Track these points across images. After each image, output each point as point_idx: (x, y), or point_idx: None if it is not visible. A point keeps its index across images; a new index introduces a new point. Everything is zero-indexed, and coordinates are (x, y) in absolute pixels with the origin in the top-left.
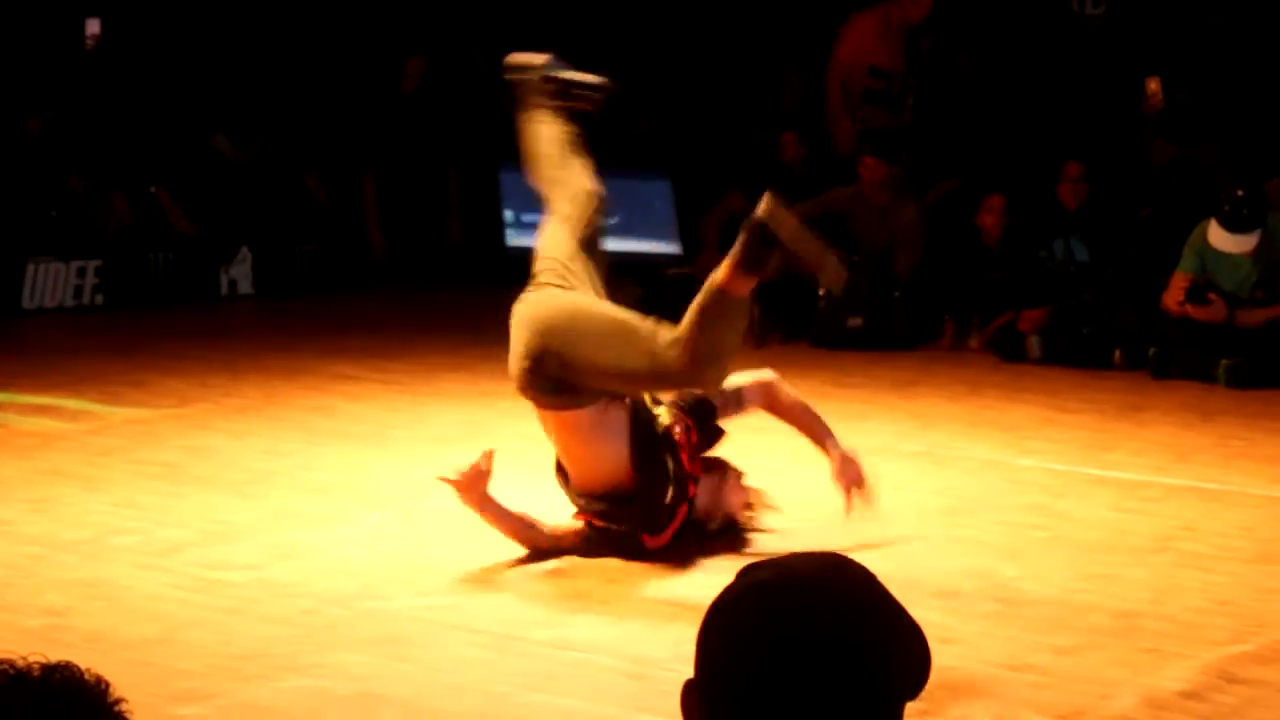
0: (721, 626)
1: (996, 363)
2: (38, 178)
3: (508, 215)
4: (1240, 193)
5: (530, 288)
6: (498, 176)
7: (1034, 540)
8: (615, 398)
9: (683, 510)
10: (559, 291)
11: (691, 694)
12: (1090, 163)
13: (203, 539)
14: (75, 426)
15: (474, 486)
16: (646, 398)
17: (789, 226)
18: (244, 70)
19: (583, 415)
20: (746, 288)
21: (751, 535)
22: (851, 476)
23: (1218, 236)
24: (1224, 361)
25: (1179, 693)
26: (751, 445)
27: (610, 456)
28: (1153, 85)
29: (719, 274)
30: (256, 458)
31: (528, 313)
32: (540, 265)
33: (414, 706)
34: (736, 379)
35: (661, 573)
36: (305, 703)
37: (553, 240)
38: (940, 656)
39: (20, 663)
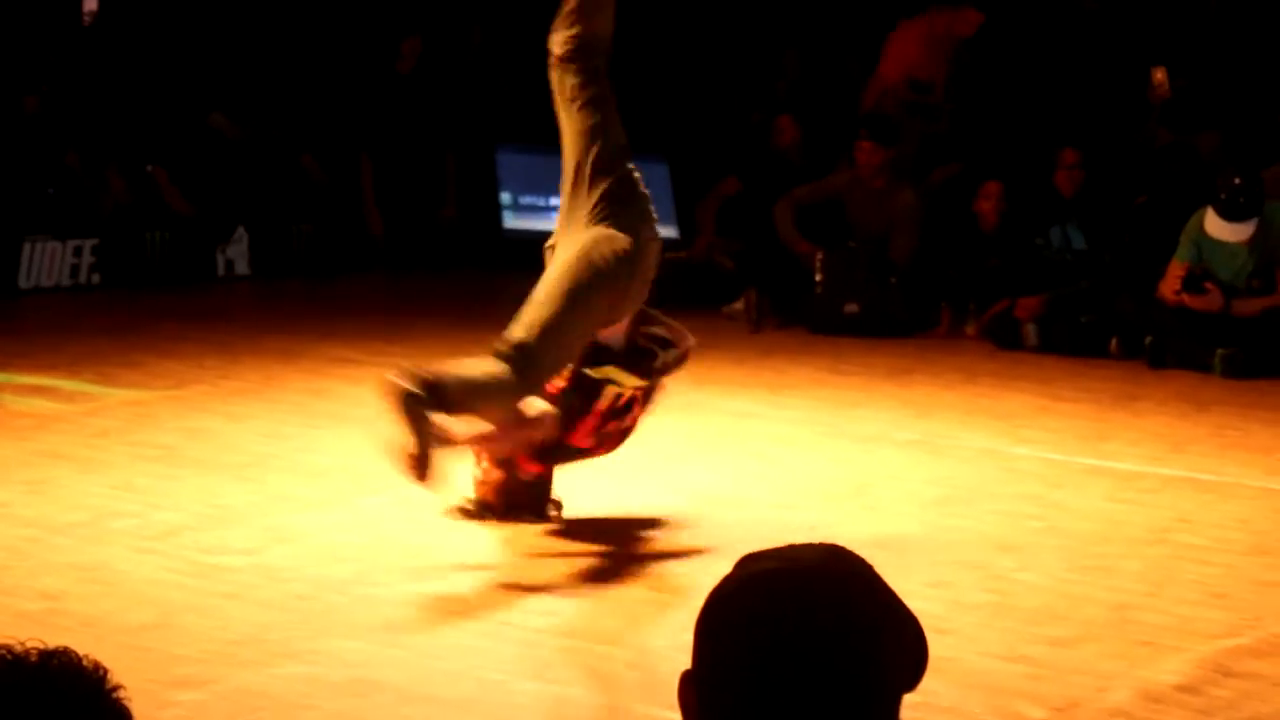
0: (720, 617)
1: (993, 350)
2: (34, 156)
3: (504, 197)
4: (1237, 181)
5: None
6: (495, 158)
7: (1029, 530)
8: None
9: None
10: None
11: (689, 685)
12: (1087, 150)
13: (200, 522)
14: (72, 408)
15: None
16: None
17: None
18: (241, 48)
19: None
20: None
21: (746, 525)
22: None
23: (1214, 225)
24: (1220, 351)
25: (1174, 686)
26: (743, 430)
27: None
28: (1159, 75)
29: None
30: (254, 440)
31: None
32: None
33: (408, 693)
34: None
35: (660, 560)
36: (300, 689)
37: None
38: (936, 647)
39: (18, 648)
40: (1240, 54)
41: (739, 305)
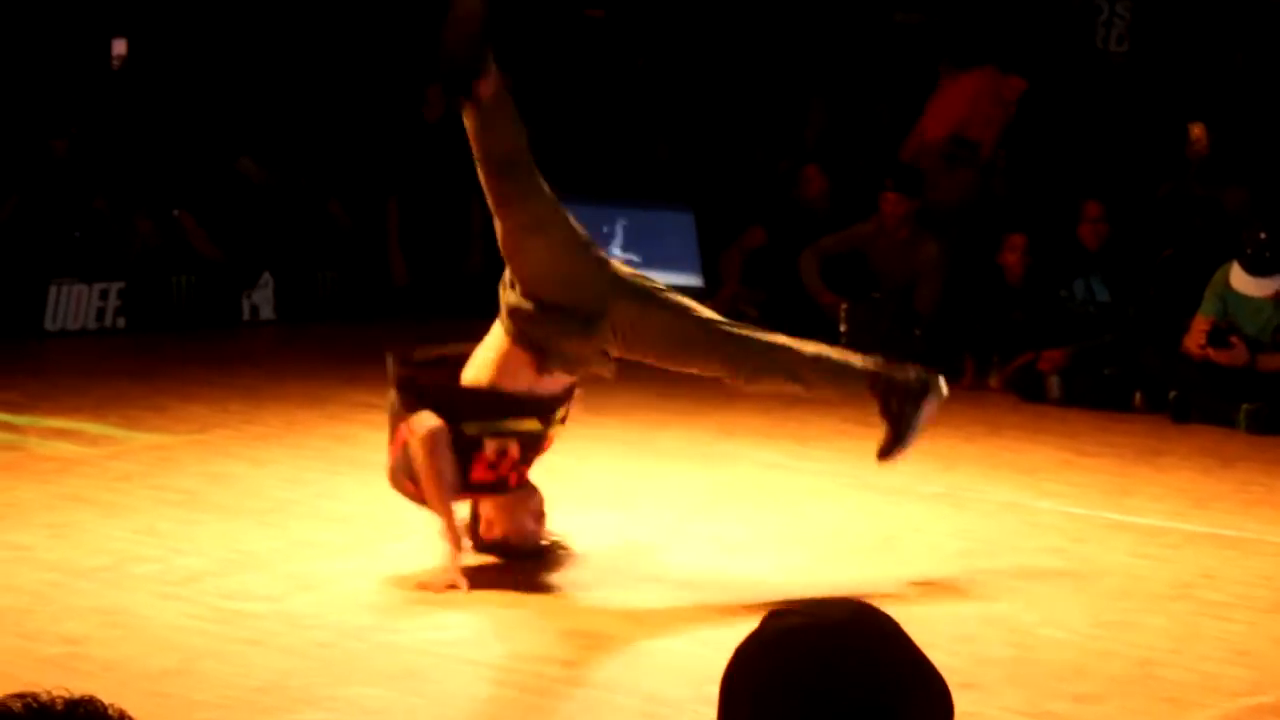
0: (746, 671)
1: (1016, 403)
2: (62, 199)
3: None
4: (1263, 236)
5: None
6: None
7: (1053, 585)
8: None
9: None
10: None
11: None
12: (1111, 203)
13: (222, 568)
14: (96, 451)
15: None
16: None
17: None
18: (268, 94)
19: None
20: None
21: (772, 578)
22: None
23: (1240, 280)
24: (1245, 406)
25: None
26: (769, 482)
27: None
28: (1196, 130)
29: None
30: (276, 486)
31: None
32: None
33: None
34: None
35: (682, 611)
36: None
37: None
38: (960, 703)
39: (44, 696)
40: (1266, 109)
41: None
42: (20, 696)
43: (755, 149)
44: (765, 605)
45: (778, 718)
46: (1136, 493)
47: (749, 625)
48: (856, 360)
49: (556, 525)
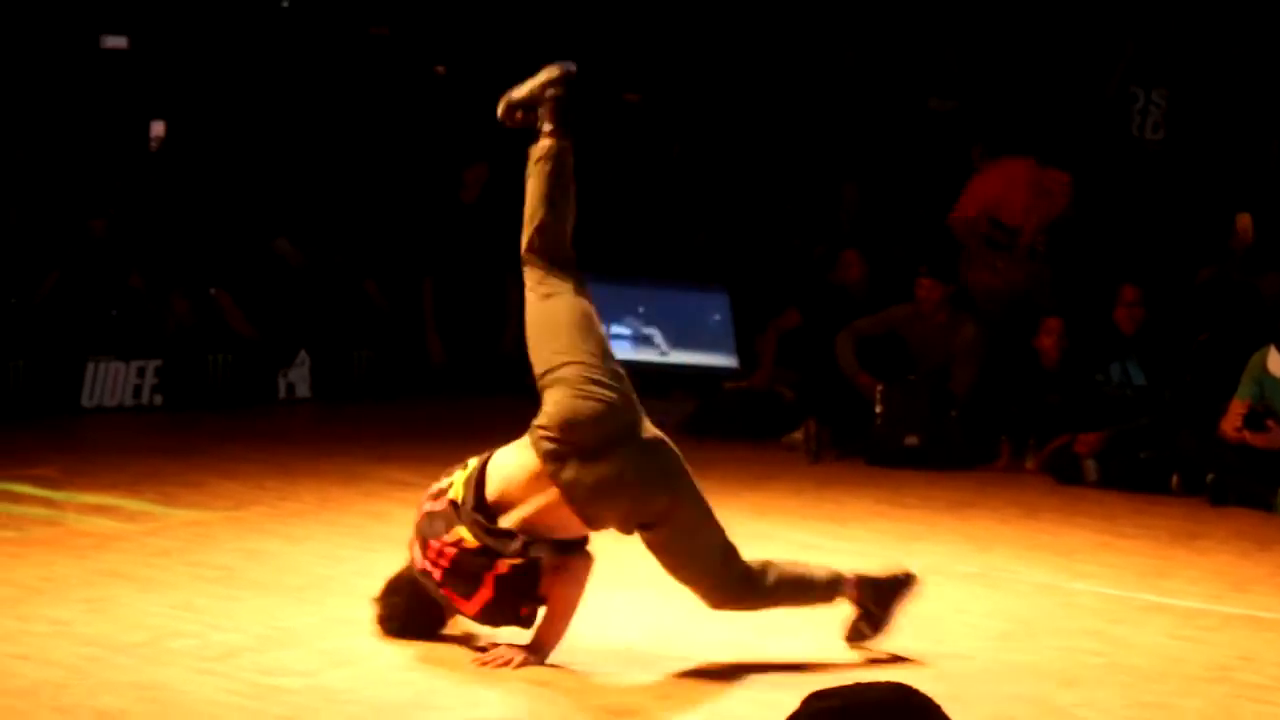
0: None
1: (1052, 485)
2: (100, 277)
3: None
4: None
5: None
6: None
7: (1089, 667)
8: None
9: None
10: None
11: None
12: (1147, 287)
13: (259, 644)
14: (133, 527)
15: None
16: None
17: None
18: (305, 175)
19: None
20: None
21: (804, 658)
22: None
23: (1276, 364)
24: None
25: None
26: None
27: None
28: (1243, 221)
29: None
30: (313, 562)
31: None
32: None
33: None
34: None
35: (718, 692)
36: None
37: None
38: None
39: None
40: None
41: (798, 436)
42: None
43: (790, 233)
44: (803, 686)
45: None
46: (1174, 575)
47: (787, 707)
48: (830, 573)
49: (592, 604)
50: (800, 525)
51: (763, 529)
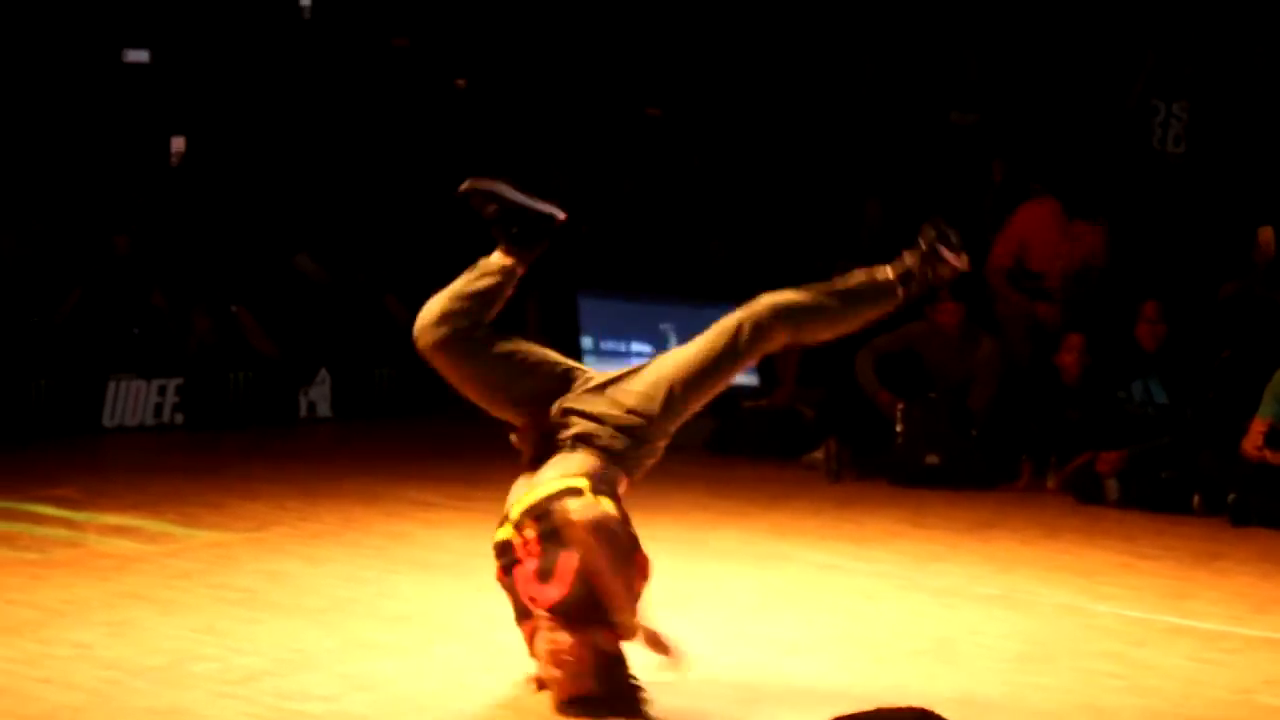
0: None
1: (1074, 505)
2: (122, 295)
3: (586, 341)
4: None
5: None
6: (576, 304)
7: (1111, 689)
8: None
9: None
10: None
11: None
12: (1169, 303)
13: (280, 668)
14: (154, 548)
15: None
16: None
17: None
18: (326, 191)
19: None
20: None
21: (826, 680)
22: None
23: None
24: None
25: None
26: (824, 583)
27: None
28: (1265, 235)
29: None
30: (334, 584)
31: None
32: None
33: None
34: None
35: (740, 713)
36: None
37: None
38: None
39: None
40: None
41: (819, 455)
42: None
43: (811, 248)
44: (825, 708)
45: None
46: (1195, 596)
47: None
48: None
49: None
50: (820, 545)
51: (782, 549)
